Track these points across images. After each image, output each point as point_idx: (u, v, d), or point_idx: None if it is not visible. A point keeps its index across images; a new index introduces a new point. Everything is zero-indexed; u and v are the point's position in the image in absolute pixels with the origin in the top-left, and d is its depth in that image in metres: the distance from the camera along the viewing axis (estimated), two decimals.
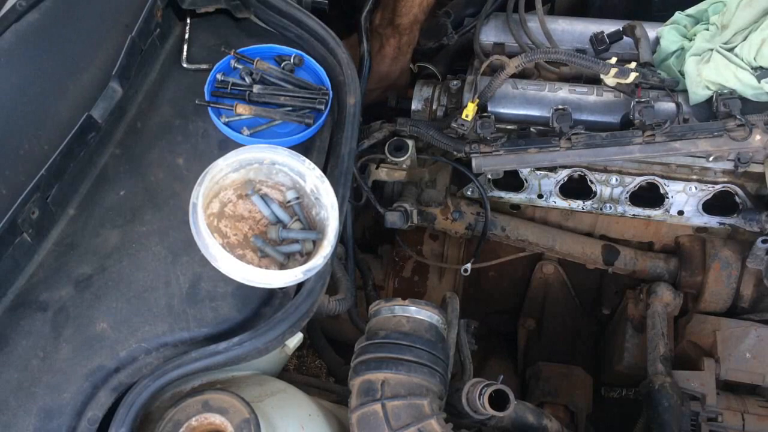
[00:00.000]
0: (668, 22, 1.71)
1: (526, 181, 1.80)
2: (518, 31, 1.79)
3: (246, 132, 1.43)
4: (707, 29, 1.62)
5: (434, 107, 1.83)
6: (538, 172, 1.77)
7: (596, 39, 1.70)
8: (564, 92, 1.70)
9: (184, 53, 1.53)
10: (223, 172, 1.27)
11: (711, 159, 1.65)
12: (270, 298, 1.28)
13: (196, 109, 1.46)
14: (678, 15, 1.71)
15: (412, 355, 1.24)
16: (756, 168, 1.62)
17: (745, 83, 1.52)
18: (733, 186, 1.69)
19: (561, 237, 1.93)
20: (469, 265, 1.88)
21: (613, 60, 1.60)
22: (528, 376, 2.04)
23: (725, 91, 1.56)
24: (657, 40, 1.70)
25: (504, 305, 2.25)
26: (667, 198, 1.74)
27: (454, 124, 1.64)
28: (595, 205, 1.81)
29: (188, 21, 1.57)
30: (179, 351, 1.19)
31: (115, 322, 1.20)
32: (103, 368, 1.16)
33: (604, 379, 2.01)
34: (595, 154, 1.59)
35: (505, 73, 1.63)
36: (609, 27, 1.72)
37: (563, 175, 1.77)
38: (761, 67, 1.50)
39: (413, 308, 1.31)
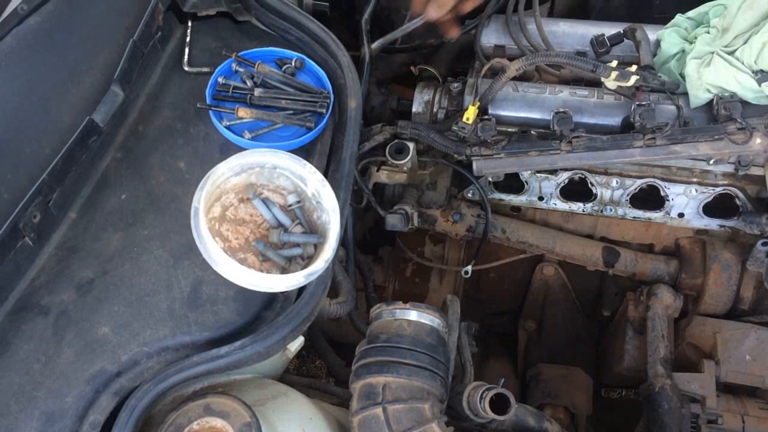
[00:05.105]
0: (669, 24, 1.71)
1: (527, 184, 1.81)
2: (518, 33, 1.79)
3: (247, 135, 1.43)
4: (708, 32, 1.62)
5: (435, 110, 1.83)
6: (539, 175, 1.77)
7: (597, 41, 1.70)
8: (565, 95, 1.69)
9: (186, 56, 1.53)
10: (224, 176, 1.27)
11: (711, 162, 1.65)
12: (271, 302, 1.28)
13: (197, 113, 1.46)
14: (679, 18, 1.70)
15: (413, 359, 1.25)
16: (756, 171, 1.63)
17: (745, 86, 1.52)
18: (733, 189, 1.69)
19: (561, 239, 1.93)
20: (469, 267, 1.89)
21: (614, 63, 1.60)
22: (528, 378, 2.04)
23: (726, 94, 1.55)
24: (658, 43, 1.70)
25: (504, 307, 2.25)
26: (668, 200, 1.74)
27: (454, 127, 1.64)
28: (596, 208, 1.81)
29: (189, 24, 1.57)
30: (181, 355, 1.20)
31: (117, 326, 1.20)
32: (104, 372, 1.16)
33: (604, 381, 2.01)
34: (596, 157, 1.60)
35: (506, 75, 1.63)
36: (610, 29, 1.72)
37: (564, 177, 1.77)
38: (762, 71, 1.50)
39: (414, 312, 1.32)
